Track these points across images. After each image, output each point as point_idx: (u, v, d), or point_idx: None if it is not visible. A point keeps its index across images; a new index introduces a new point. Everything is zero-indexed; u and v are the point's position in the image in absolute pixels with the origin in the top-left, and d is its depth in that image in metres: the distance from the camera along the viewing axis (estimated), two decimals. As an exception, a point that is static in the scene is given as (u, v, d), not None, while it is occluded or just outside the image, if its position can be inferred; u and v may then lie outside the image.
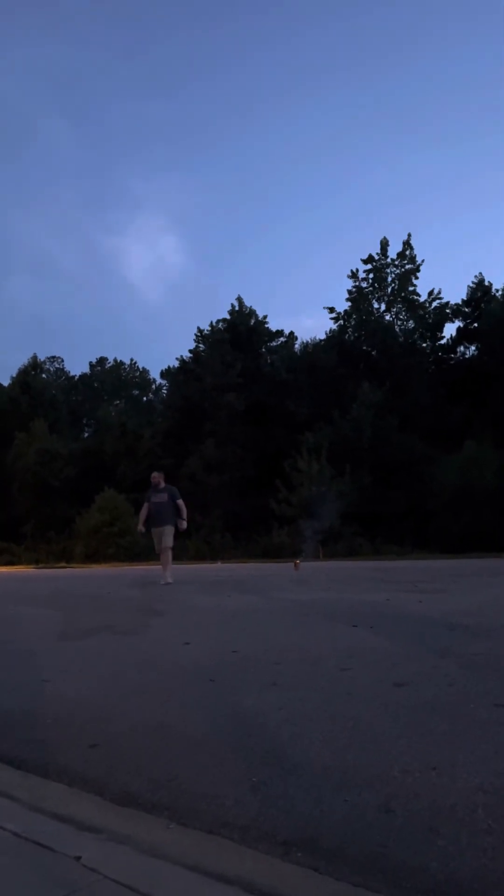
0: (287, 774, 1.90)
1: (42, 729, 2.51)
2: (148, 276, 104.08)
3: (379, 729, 2.28)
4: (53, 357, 57.96)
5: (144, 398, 56.86)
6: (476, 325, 35.54)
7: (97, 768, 2.04)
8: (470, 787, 1.73)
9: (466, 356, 36.31)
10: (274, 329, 40.22)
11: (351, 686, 2.92)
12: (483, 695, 2.65)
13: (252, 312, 39.29)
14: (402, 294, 36.83)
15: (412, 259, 36.54)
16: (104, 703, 2.84)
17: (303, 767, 1.95)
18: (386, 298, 37.28)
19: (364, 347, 36.65)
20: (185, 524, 10.35)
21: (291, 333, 41.16)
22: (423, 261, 36.62)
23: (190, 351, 38.46)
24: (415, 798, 1.68)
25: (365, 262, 36.98)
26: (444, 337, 37.08)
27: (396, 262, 36.76)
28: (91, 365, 60.07)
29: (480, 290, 35.99)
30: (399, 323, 37.19)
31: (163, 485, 10.56)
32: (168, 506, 10.25)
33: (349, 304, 37.72)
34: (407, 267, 36.63)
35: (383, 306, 37.42)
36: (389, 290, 37.15)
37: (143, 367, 59.81)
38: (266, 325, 39.61)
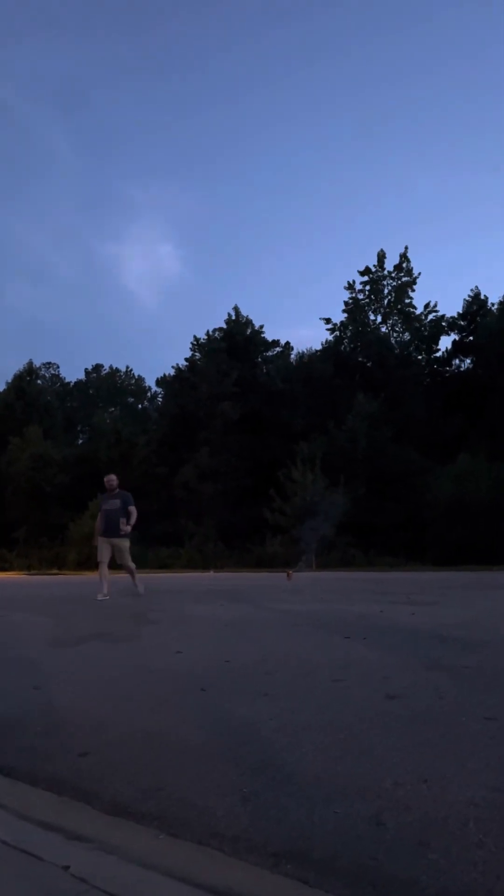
0: (278, 785, 1.89)
1: (32, 736, 2.49)
2: (145, 284, 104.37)
3: (371, 740, 2.27)
4: (49, 363, 57.91)
5: (139, 406, 56.86)
6: (472, 338, 35.76)
7: (87, 777, 2.03)
8: (461, 801, 1.73)
9: (462, 369, 36.51)
10: (270, 339, 40.43)
11: (343, 697, 2.92)
12: (474, 707, 2.65)
13: (248, 322, 39.46)
14: (399, 306, 37.05)
15: (409, 272, 36.80)
16: (95, 711, 2.82)
17: (294, 778, 1.94)
18: (382, 310, 37.49)
19: (360, 359, 36.80)
20: (128, 529, 9.25)
21: (287, 343, 41.40)
22: (419, 273, 36.93)
23: (186, 359, 38.55)
24: (406, 810, 1.68)
25: (362, 273, 37.22)
26: (439, 349, 37.33)
27: (393, 275, 37.01)
28: (87, 372, 60.13)
29: (476, 304, 36.24)
30: (395, 335, 37.39)
31: (117, 489, 9.57)
32: (120, 513, 9.29)
33: (345, 315, 37.95)
34: (403, 279, 36.88)
35: (379, 318, 37.63)
36: (386, 302, 37.37)
37: (138, 375, 59.90)
38: (262, 335, 39.78)
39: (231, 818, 1.68)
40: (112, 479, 9.64)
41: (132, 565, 9.41)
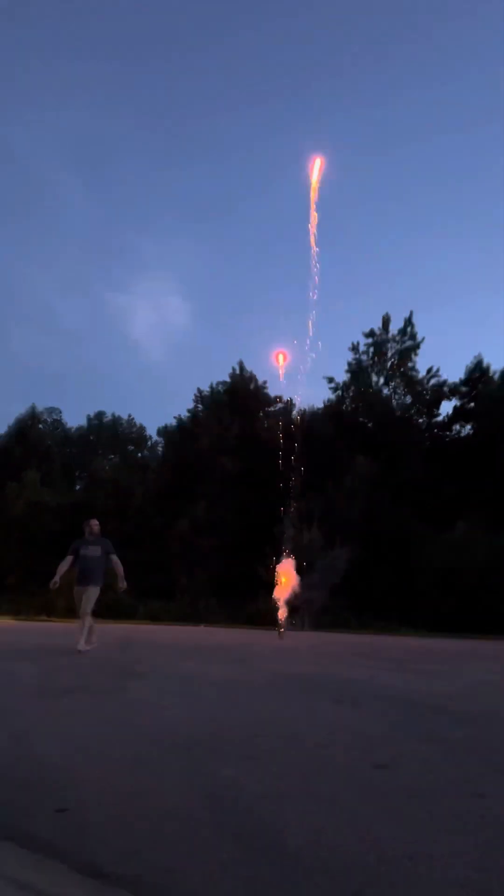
0: (259, 854, 1.84)
1: (9, 790, 2.42)
2: (151, 335, 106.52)
3: (356, 811, 2.21)
4: (52, 408, 58.30)
5: (139, 454, 56.95)
6: (472, 404, 36.12)
7: (63, 835, 1.97)
8: (447, 881, 1.68)
9: (462, 435, 36.74)
10: (273, 395, 40.86)
11: (330, 764, 2.85)
12: (464, 783, 2.59)
13: (252, 377, 39.99)
14: (401, 369, 37.58)
15: (413, 336, 37.48)
16: (75, 766, 2.75)
17: (276, 847, 1.89)
18: (385, 373, 38.01)
19: (361, 419, 37.11)
20: (125, 584, 8.84)
21: (290, 400, 41.79)
22: (423, 338, 37.59)
23: (188, 410, 38.94)
24: (389, 888, 1.63)
25: (366, 335, 37.91)
26: (440, 414, 37.64)
27: (397, 338, 37.67)
28: (88, 418, 60.46)
29: (478, 371, 36.75)
30: (396, 397, 37.80)
31: (98, 535, 9.10)
32: (100, 561, 8.79)
33: (348, 375, 38.45)
34: (407, 343, 37.52)
35: (382, 380, 38.12)
36: (389, 364, 37.93)
37: (140, 424, 60.20)
38: (265, 391, 40.21)
39: (209, 886, 1.63)
40: (96, 523, 9.35)
41: (90, 616, 8.82)
